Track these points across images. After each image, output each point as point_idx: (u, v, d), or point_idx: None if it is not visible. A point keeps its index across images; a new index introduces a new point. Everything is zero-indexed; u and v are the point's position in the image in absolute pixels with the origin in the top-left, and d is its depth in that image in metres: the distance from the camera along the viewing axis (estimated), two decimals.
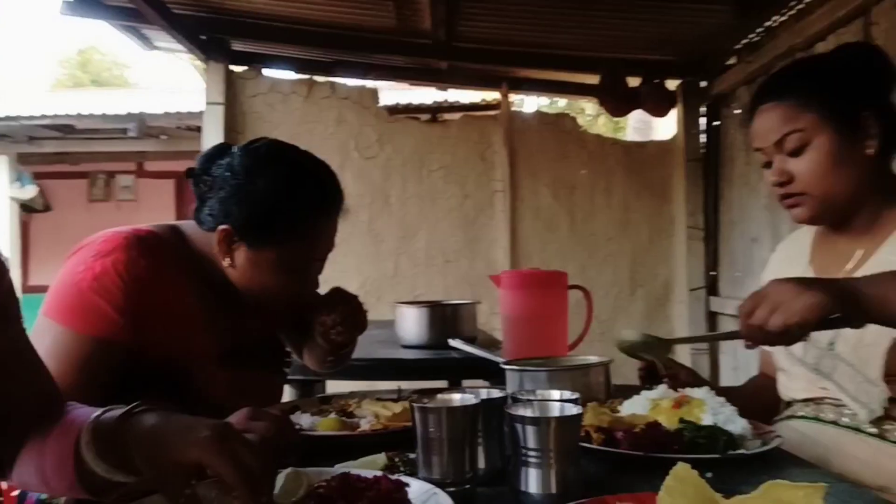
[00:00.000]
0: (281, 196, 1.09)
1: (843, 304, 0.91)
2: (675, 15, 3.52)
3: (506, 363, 1.30)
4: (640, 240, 4.56)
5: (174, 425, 0.74)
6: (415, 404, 0.83)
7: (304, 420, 1.15)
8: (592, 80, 4.24)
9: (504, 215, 4.45)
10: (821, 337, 1.13)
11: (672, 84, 4.27)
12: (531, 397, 0.93)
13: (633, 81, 4.15)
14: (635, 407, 1.15)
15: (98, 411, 0.79)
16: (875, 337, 1.05)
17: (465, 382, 2.20)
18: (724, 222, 4.26)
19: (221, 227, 1.10)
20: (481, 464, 0.87)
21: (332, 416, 1.16)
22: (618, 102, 4.09)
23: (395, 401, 1.28)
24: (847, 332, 1.08)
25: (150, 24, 3.63)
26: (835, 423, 1.12)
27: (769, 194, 3.59)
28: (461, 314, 2.35)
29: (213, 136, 4.15)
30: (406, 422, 1.13)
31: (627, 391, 1.24)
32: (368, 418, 1.17)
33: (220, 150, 1.16)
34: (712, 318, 4.37)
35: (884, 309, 0.91)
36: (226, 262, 1.13)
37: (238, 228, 1.10)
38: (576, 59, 4.17)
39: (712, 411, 1.08)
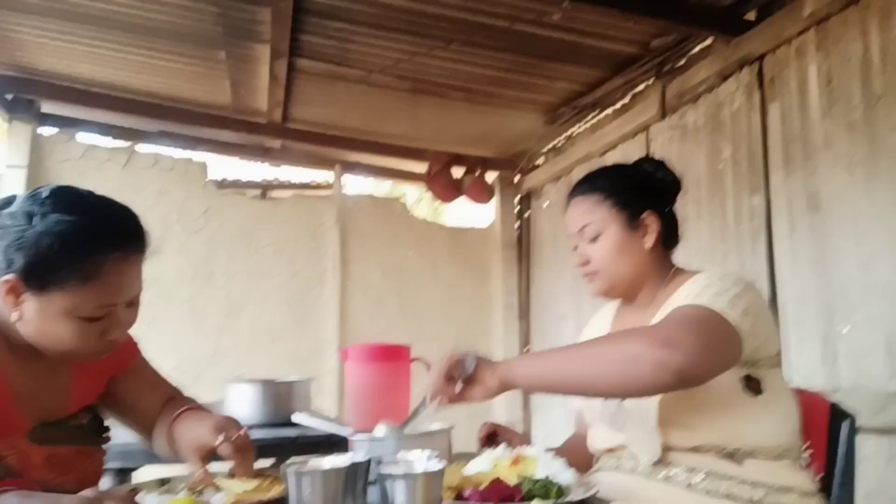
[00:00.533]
0: (64, 236, 1.01)
1: (505, 387, 1.19)
2: (495, 118, 3.96)
3: (353, 434, 1.35)
4: (462, 317, 4.84)
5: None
6: (289, 469, 0.86)
7: (149, 501, 1.10)
8: (420, 167, 4.55)
9: (334, 292, 4.50)
10: None
11: (490, 176, 4.71)
12: (395, 459, 1.00)
13: (457, 172, 4.52)
14: (479, 467, 1.26)
15: None
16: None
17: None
18: (535, 302, 4.69)
19: (5, 277, 1.02)
20: None
21: (183, 494, 1.13)
22: (444, 190, 4.41)
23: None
24: None
25: None
26: (632, 470, 1.30)
27: (573, 277, 4.07)
28: (296, 391, 2.33)
29: None
30: (260, 495, 1.14)
31: (465, 456, 1.36)
32: (220, 495, 1.15)
33: (5, 202, 1.08)
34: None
35: (532, 388, 1.22)
36: (14, 316, 1.04)
37: (23, 277, 1.02)
38: (405, 148, 4.46)
39: (545, 466, 1.23)
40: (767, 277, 2.50)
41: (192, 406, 1.29)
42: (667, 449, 1.25)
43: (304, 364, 4.38)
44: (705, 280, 1.25)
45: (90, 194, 1.11)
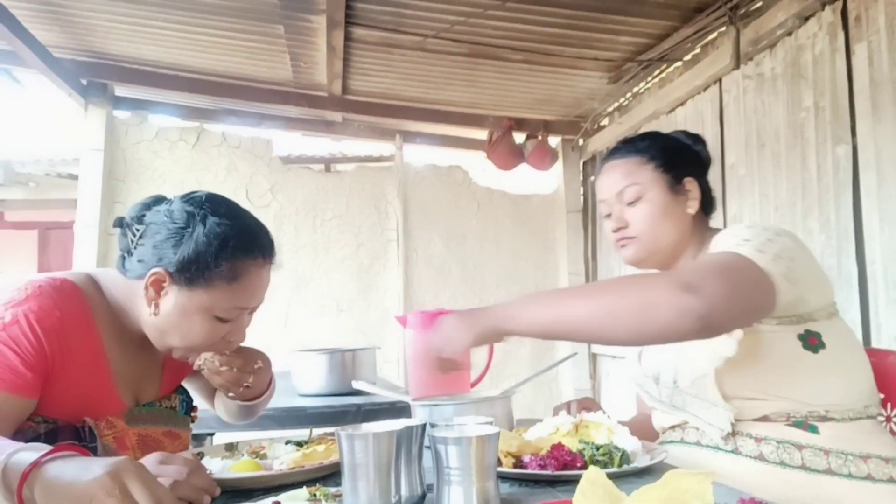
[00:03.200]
0: (223, 238, 1.08)
1: (497, 334, 1.13)
2: (556, 79, 3.83)
3: (415, 400, 1.34)
4: (526, 286, 4.78)
5: (73, 467, 0.75)
6: (342, 432, 0.85)
7: (213, 465, 1.12)
8: (481, 134, 4.48)
9: (398, 263, 4.53)
10: (665, 378, 1.30)
11: (553, 141, 4.59)
12: (450, 424, 0.98)
13: (518, 138, 4.43)
14: (539, 433, 1.23)
15: (9, 450, 0.78)
16: (702, 370, 1.20)
17: None
18: (601, 270, 4.57)
19: (154, 269, 1.08)
20: (404, 491, 0.90)
21: (245, 458, 1.15)
22: (505, 157, 4.33)
23: (304, 444, 1.28)
24: (681, 370, 1.24)
25: (27, 67, 3.45)
26: (697, 443, 1.25)
27: None
28: (361, 359, 2.35)
29: (91, 182, 3.96)
30: (320, 460, 1.15)
31: (527, 423, 1.33)
32: (281, 459, 1.16)
33: (155, 200, 1.15)
34: (594, 358, 4.63)
35: (532, 333, 1.12)
36: (150, 308, 1.10)
37: (172, 272, 1.08)
38: (464, 115, 4.39)
39: (608, 433, 1.19)
40: (854, 234, 2.32)
41: None
42: (738, 421, 1.19)
43: (370, 334, 4.45)
44: (734, 229, 1.18)
45: (236, 204, 1.18)
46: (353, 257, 4.52)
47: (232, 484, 1.03)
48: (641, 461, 1.11)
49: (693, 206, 1.32)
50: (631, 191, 1.32)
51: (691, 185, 1.33)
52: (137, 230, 1.12)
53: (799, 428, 1.14)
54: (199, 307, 1.09)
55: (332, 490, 0.97)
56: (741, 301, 1.03)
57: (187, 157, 4.26)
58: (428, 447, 0.92)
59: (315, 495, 0.95)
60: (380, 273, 4.56)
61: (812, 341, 1.15)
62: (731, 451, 1.19)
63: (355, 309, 4.52)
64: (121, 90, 4.09)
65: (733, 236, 1.14)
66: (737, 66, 2.96)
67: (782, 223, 2.56)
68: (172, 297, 1.09)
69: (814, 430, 1.13)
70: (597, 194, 1.41)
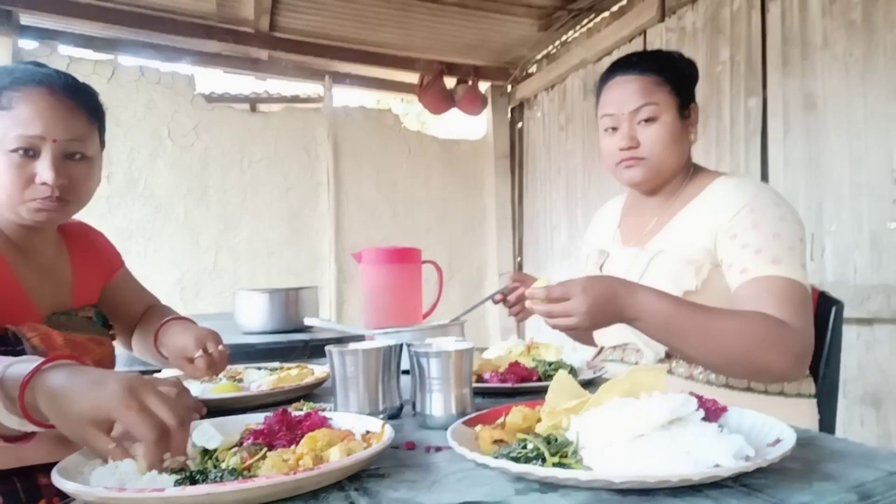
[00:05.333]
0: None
1: (628, 320, 1.17)
2: (488, 25, 3.87)
3: (370, 331, 1.43)
4: (456, 229, 4.91)
5: (83, 380, 0.77)
6: (334, 349, 0.94)
7: (193, 389, 1.18)
8: (412, 78, 4.48)
9: (329, 206, 4.53)
10: None
11: (483, 86, 4.65)
12: (426, 343, 1.08)
13: (449, 83, 4.46)
14: (493, 354, 1.36)
15: (4, 363, 0.80)
16: None
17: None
18: (527, 213, 4.75)
19: None
20: (387, 402, 1.00)
21: (224, 382, 1.21)
22: (437, 101, 4.37)
23: (276, 370, 1.35)
24: None
25: None
26: (636, 364, 1.38)
27: (567, 187, 4.12)
28: (304, 298, 2.40)
29: None
30: (296, 382, 1.22)
31: (479, 349, 1.44)
32: (258, 382, 1.23)
33: None
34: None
35: (650, 327, 1.16)
36: None
37: None
38: (396, 57, 4.37)
39: (556, 351, 1.33)
40: (760, 178, 2.56)
41: (176, 317, 1.36)
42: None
43: (302, 277, 4.47)
44: (758, 215, 1.22)
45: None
46: (282, 200, 4.48)
47: (217, 404, 1.09)
48: (586, 374, 1.25)
49: (695, 134, 1.35)
50: (647, 110, 1.29)
51: (694, 111, 1.36)
52: None
53: None
54: None
55: (317, 405, 1.06)
56: (812, 328, 1.19)
57: (102, 92, 3.85)
58: (405, 372, 1.01)
59: (301, 409, 1.03)
60: (310, 216, 4.55)
61: None
62: (667, 373, 1.35)
63: (286, 252, 4.51)
64: (27, 18, 3.79)
65: (773, 238, 1.20)
66: (661, 19, 3.11)
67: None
68: None
69: None
70: (601, 108, 1.37)
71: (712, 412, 0.76)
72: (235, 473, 0.67)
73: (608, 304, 1.12)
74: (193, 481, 0.67)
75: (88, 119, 1.15)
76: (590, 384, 1.20)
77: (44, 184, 1.09)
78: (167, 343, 1.28)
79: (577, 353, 1.34)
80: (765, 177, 2.55)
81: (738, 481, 0.65)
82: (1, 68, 1.14)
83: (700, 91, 2.81)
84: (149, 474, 0.68)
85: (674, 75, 1.34)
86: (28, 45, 3.86)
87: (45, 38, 3.91)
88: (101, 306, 1.36)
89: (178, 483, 0.66)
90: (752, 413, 0.79)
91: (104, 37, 4.05)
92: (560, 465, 0.68)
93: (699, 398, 0.74)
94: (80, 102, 1.14)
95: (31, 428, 0.81)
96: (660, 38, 3.14)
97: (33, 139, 1.08)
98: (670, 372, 1.31)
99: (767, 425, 0.75)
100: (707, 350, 1.16)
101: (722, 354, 1.16)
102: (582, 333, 1.54)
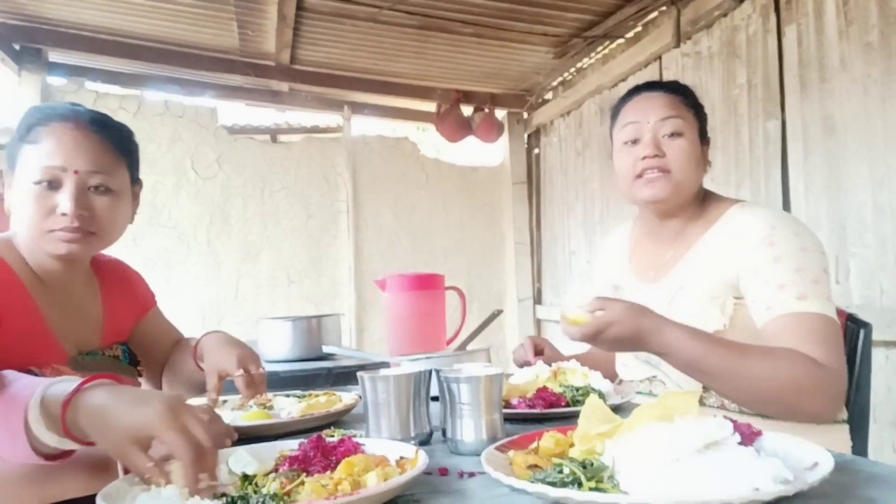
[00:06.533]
0: (24, 116, 1.17)
1: (655, 354, 1.17)
2: (504, 53, 3.93)
3: (396, 359, 1.44)
4: (474, 255, 4.93)
5: (125, 398, 0.79)
6: (365, 375, 0.95)
7: (225, 416, 1.19)
8: (430, 106, 4.54)
9: (348, 234, 4.57)
10: None
11: (499, 114, 4.71)
12: (455, 368, 1.09)
13: (466, 110, 4.52)
14: (521, 379, 1.36)
15: (42, 385, 0.82)
16: None
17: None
18: (545, 238, 4.76)
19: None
20: (417, 428, 1.01)
21: (255, 409, 1.22)
22: (454, 129, 4.42)
23: (303, 397, 1.36)
24: None
25: None
26: None
27: (584, 212, 4.12)
28: (326, 326, 2.42)
29: None
30: (326, 409, 1.23)
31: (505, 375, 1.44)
32: (288, 409, 1.24)
33: None
34: (539, 324, 4.84)
35: (673, 356, 1.16)
36: (7, 207, 1.15)
37: (5, 167, 1.15)
38: (413, 87, 4.44)
39: (583, 376, 1.33)
40: (781, 203, 2.55)
41: (215, 331, 1.36)
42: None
43: (321, 305, 4.50)
44: (778, 248, 1.20)
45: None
46: (302, 228, 4.53)
47: (248, 431, 1.10)
48: (614, 400, 1.25)
49: (708, 167, 1.34)
50: (674, 123, 1.28)
51: (707, 145, 1.35)
52: None
53: None
54: (21, 181, 1.13)
55: (347, 432, 1.07)
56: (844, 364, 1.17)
57: (128, 126, 4.13)
58: (434, 399, 1.02)
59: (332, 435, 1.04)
60: (330, 244, 4.60)
61: None
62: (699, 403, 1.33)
63: (306, 280, 4.54)
64: (55, 56, 3.92)
65: (796, 272, 1.16)
66: (677, 45, 3.14)
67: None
68: (11, 185, 1.15)
69: None
70: (621, 119, 1.35)
71: (747, 436, 0.75)
72: (276, 499, 0.68)
73: (634, 338, 1.13)
74: None
75: (115, 153, 1.17)
76: (618, 409, 1.19)
77: (63, 214, 1.11)
78: (208, 354, 1.28)
79: (604, 381, 1.34)
80: (786, 200, 2.54)
81: None
82: (34, 106, 1.19)
83: (717, 115, 2.84)
84: (191, 501, 0.69)
85: (694, 102, 1.35)
86: (56, 81, 3.98)
87: (73, 75, 4.03)
88: (132, 343, 1.37)
89: None
90: (787, 437, 0.79)
91: (130, 72, 4.17)
92: (597, 489, 0.68)
93: (734, 422, 0.74)
94: (105, 136, 1.16)
95: (70, 446, 0.83)
96: (675, 64, 3.17)
97: (55, 170, 1.11)
98: (701, 403, 1.30)
99: (804, 449, 0.75)
100: (740, 391, 1.15)
101: (756, 396, 1.14)
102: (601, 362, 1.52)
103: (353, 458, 0.75)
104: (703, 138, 1.35)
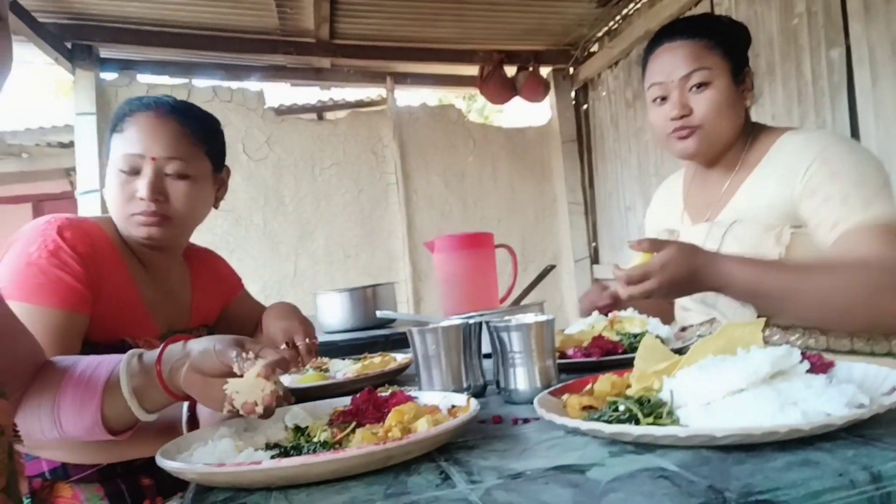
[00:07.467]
0: (120, 104, 1.23)
1: (713, 291, 1.12)
2: (544, 7, 3.81)
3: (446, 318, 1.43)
4: (527, 218, 4.86)
5: (200, 345, 0.86)
6: (414, 328, 0.94)
7: (282, 380, 1.21)
8: (472, 70, 4.46)
9: (399, 206, 4.58)
10: None
11: (544, 71, 4.59)
12: (505, 319, 1.06)
13: (510, 71, 4.42)
14: (576, 329, 1.33)
15: (126, 355, 0.87)
16: None
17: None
18: (599, 195, 4.65)
19: None
20: (470, 380, 1.00)
21: (311, 372, 1.24)
22: (498, 91, 4.34)
23: (359, 359, 1.38)
24: None
25: (14, 33, 3.38)
26: None
27: (639, 165, 4.00)
28: (381, 294, 2.45)
29: (87, 148, 3.94)
30: (380, 369, 1.24)
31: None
32: (343, 371, 1.26)
33: None
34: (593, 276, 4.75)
35: (742, 292, 1.12)
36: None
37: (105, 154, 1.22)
38: (455, 51, 4.37)
39: (640, 323, 1.28)
40: (850, 134, 2.40)
41: (280, 302, 1.42)
42: (760, 317, 1.25)
43: (378, 277, 4.53)
44: (833, 165, 1.14)
45: None
46: (354, 203, 4.57)
47: (304, 393, 1.12)
48: (674, 345, 1.21)
49: (751, 98, 1.28)
50: (698, 75, 1.23)
51: (749, 76, 1.29)
52: None
53: None
54: (111, 168, 1.19)
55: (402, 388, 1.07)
56: None
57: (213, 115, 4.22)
58: (486, 356, 1.00)
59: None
60: (382, 217, 4.62)
61: None
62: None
63: (361, 254, 4.59)
64: (105, 51, 4.03)
65: (857, 187, 1.10)
66: None
67: None
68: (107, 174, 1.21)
69: None
70: (648, 77, 1.31)
71: (818, 367, 0.71)
72: (327, 446, 0.68)
73: (689, 278, 1.08)
74: (287, 455, 0.68)
75: (193, 140, 1.20)
76: (679, 353, 1.15)
77: (141, 199, 1.16)
78: (264, 327, 1.34)
79: (662, 326, 1.29)
80: (854, 130, 2.38)
81: (853, 432, 0.60)
82: (126, 99, 1.25)
83: (776, 48, 2.68)
84: (245, 451, 0.70)
85: (724, 38, 1.27)
86: (109, 76, 4.10)
87: (123, 69, 4.14)
88: (219, 326, 1.44)
89: (273, 458, 0.68)
90: (862, 364, 0.73)
91: (178, 61, 4.26)
92: (655, 425, 0.65)
93: (802, 353, 0.69)
94: (183, 123, 1.19)
95: (144, 416, 0.86)
96: (728, 0, 3.00)
97: (135, 157, 1.16)
98: (764, 341, 1.24)
99: (881, 374, 0.70)
100: (811, 307, 1.09)
101: (828, 310, 1.08)
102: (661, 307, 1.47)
103: (403, 407, 0.75)
104: (738, 75, 1.27)
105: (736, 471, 0.55)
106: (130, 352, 0.87)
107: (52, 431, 0.86)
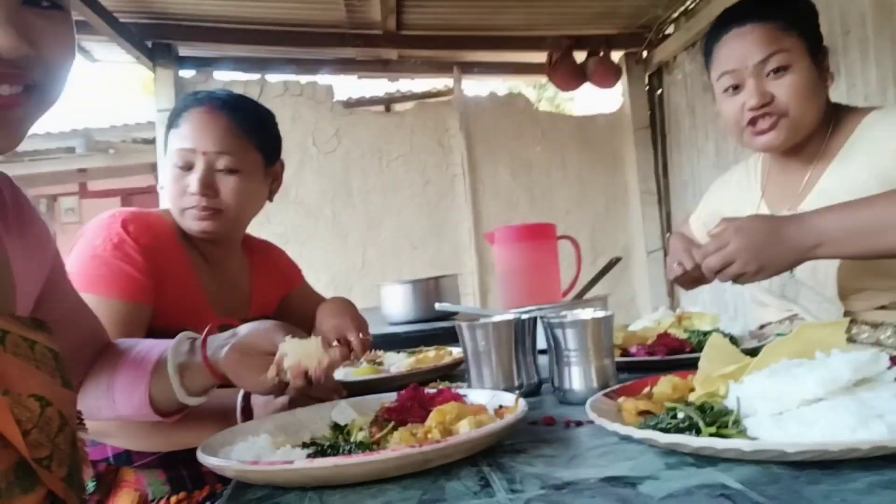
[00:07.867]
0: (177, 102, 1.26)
1: (805, 258, 1.01)
2: None
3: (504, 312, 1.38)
4: (597, 209, 4.73)
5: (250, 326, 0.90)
6: (463, 323, 0.90)
7: (337, 373, 1.21)
8: (540, 57, 4.37)
9: (465, 198, 4.55)
10: None
11: (615, 56, 4.43)
12: (561, 314, 1.01)
13: (579, 57, 4.29)
14: (640, 326, 1.26)
15: (179, 337, 0.90)
16: (827, 262, 1.15)
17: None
18: (674, 185, 4.45)
19: None
20: (524, 378, 0.95)
21: (364, 365, 1.23)
22: (567, 78, 4.22)
23: (413, 352, 1.35)
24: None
25: (96, 35, 3.56)
26: None
27: (717, 152, 3.80)
28: (444, 286, 2.42)
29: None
30: (433, 363, 1.21)
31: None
32: (397, 364, 1.24)
33: None
34: None
35: (841, 239, 0.99)
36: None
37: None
38: (522, 38, 4.29)
39: (711, 320, 1.20)
40: None
41: (336, 297, 1.40)
42: (847, 314, 1.16)
43: (445, 269, 4.52)
44: None
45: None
46: (421, 195, 4.57)
47: (356, 387, 1.11)
48: (748, 344, 1.12)
49: (831, 80, 1.19)
50: (777, 59, 1.14)
51: (826, 55, 1.20)
52: None
53: None
54: (167, 163, 1.21)
55: (453, 385, 1.04)
56: None
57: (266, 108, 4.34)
58: (542, 352, 0.95)
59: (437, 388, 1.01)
60: (449, 208, 4.60)
61: None
62: (847, 340, 1.17)
63: (428, 245, 4.59)
64: (183, 50, 4.18)
65: None
66: None
67: None
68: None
69: None
70: (717, 66, 1.22)
71: None
72: (364, 447, 0.65)
73: (772, 237, 0.98)
74: (324, 454, 0.66)
75: (242, 134, 1.21)
76: (752, 354, 1.07)
77: (192, 193, 1.18)
78: (317, 323, 1.32)
79: (736, 323, 1.21)
80: None
81: None
82: (182, 95, 1.30)
83: (869, 22, 2.47)
84: (283, 449, 0.68)
85: (798, 17, 1.16)
86: (187, 73, 4.26)
87: (201, 66, 4.28)
88: (279, 315, 1.45)
89: (309, 456, 0.66)
90: None
91: (252, 57, 4.37)
92: (717, 436, 0.59)
93: (891, 358, 0.61)
94: (233, 117, 1.21)
95: (188, 399, 0.87)
96: None
97: (187, 153, 1.18)
98: (851, 340, 1.15)
99: None
100: None
101: None
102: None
103: (446, 407, 0.71)
104: (817, 55, 1.17)
105: (809, 492, 0.49)
106: (182, 334, 0.89)
107: (108, 410, 0.89)
